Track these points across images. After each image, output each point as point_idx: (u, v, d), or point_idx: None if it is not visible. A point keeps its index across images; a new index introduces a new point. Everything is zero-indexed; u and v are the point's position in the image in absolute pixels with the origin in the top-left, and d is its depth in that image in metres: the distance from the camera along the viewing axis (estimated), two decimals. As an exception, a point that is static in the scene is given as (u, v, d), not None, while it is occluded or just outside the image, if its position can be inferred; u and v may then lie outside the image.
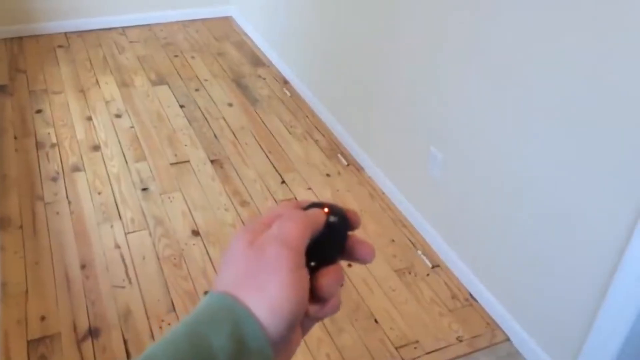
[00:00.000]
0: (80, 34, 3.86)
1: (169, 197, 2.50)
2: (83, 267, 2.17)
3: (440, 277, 2.23)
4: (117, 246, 2.25)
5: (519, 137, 1.79)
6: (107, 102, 3.12)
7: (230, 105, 3.23)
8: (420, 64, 2.21)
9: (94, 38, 3.83)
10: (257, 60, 3.70)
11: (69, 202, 2.46)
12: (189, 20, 4.16)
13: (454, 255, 2.22)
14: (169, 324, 1.99)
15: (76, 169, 2.65)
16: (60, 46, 3.71)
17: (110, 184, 2.57)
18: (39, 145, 2.79)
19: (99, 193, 2.51)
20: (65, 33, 3.85)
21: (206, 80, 3.45)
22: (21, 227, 2.32)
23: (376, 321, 2.05)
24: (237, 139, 2.95)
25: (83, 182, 2.57)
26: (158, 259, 2.20)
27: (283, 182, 2.68)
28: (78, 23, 3.87)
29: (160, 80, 3.40)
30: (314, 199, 0.46)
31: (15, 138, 2.84)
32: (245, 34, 4.03)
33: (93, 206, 2.44)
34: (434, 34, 2.10)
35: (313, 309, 0.42)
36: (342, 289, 0.46)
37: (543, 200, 1.74)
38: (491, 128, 1.90)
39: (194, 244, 2.28)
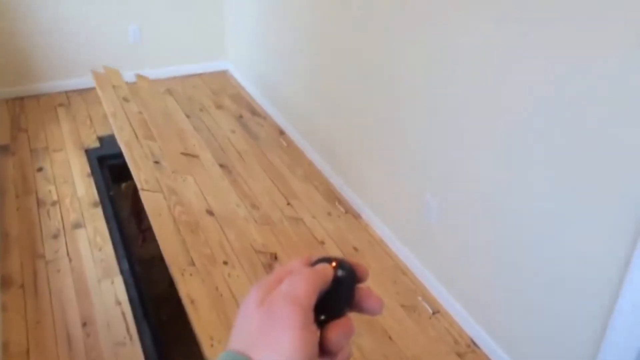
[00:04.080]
0: (81, 92, 3.95)
1: (182, 177, 2.44)
2: (84, 324, 2.16)
3: (441, 323, 2.23)
4: (118, 302, 2.26)
5: (515, 183, 1.83)
6: (114, 86, 3.09)
7: (233, 131, 3.40)
8: (414, 112, 2.27)
9: (94, 96, 3.91)
10: (254, 112, 3.79)
11: (70, 259, 2.47)
12: (186, 75, 4.27)
13: (454, 301, 2.23)
14: (190, 275, 1.93)
15: (77, 225, 2.68)
16: (61, 105, 3.80)
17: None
18: (40, 203, 2.83)
19: (100, 249, 2.53)
20: (66, 92, 3.95)
21: (209, 107, 3.61)
22: (22, 285, 2.33)
23: (390, 338, 2.09)
24: (242, 158, 3.02)
25: (84, 239, 2.59)
26: (174, 221, 2.09)
27: (289, 204, 2.75)
28: (78, 82, 3.97)
29: (166, 91, 3.51)
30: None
31: (17, 196, 2.87)
32: (242, 87, 4.13)
33: (94, 262, 2.46)
34: (427, 83, 2.17)
35: None
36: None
37: (541, 245, 1.77)
38: (486, 173, 1.94)
39: (209, 221, 2.23)
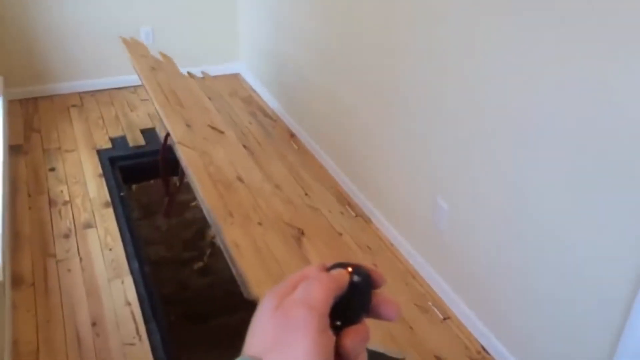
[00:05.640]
0: (94, 93, 3.98)
1: (212, 144, 2.40)
2: (93, 324, 2.17)
3: (451, 329, 2.21)
4: (128, 303, 2.26)
5: (527, 187, 1.81)
6: (142, 56, 3.07)
7: (250, 123, 3.40)
8: (425, 116, 2.26)
9: (106, 97, 3.94)
10: (265, 114, 3.79)
11: (80, 259, 2.48)
12: (198, 78, 4.28)
13: (465, 307, 2.21)
14: (231, 224, 1.88)
15: (88, 225, 2.69)
16: (73, 105, 3.82)
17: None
18: (51, 202, 2.84)
19: (110, 249, 2.54)
20: (79, 93, 3.97)
21: (227, 99, 3.65)
22: (33, 284, 2.34)
23: (411, 328, 2.08)
24: (261, 146, 3.02)
25: (94, 239, 2.60)
26: (210, 177, 2.08)
27: (306, 194, 2.76)
28: (91, 83, 4.00)
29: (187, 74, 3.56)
30: (339, 259, 0.48)
31: (29, 196, 2.89)
32: (253, 90, 4.14)
33: (104, 262, 2.46)
34: (437, 85, 2.16)
35: None
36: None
37: (554, 250, 1.75)
38: (497, 178, 1.93)
39: (240, 186, 2.20)
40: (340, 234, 2.58)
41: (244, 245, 1.71)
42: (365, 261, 2.54)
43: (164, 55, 3.22)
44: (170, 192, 2.94)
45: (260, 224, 1.96)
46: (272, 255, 1.71)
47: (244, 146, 2.74)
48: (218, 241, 1.74)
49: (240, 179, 2.21)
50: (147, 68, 2.85)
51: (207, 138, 2.44)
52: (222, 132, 2.60)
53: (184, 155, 2.08)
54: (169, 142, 2.27)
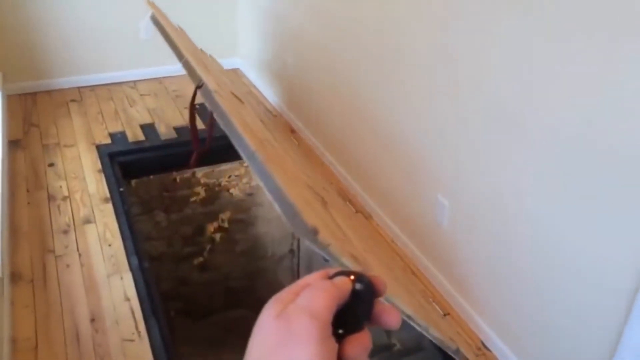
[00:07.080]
0: (93, 88, 3.96)
1: (237, 109, 2.40)
2: (92, 320, 2.16)
3: (452, 326, 2.20)
4: (127, 298, 2.25)
5: (527, 185, 1.80)
6: (165, 20, 3.07)
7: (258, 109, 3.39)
8: (425, 113, 2.25)
9: (105, 92, 3.93)
10: (266, 109, 3.78)
11: (80, 255, 2.47)
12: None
13: (465, 303, 2.20)
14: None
15: (87, 221, 2.68)
16: (73, 100, 3.81)
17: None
18: (50, 198, 2.83)
19: (109, 245, 2.53)
20: (78, 88, 3.96)
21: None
22: (32, 280, 2.33)
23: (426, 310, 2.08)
24: (272, 126, 3.01)
25: (93, 234, 2.59)
26: (246, 126, 2.10)
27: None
28: (90, 78, 3.98)
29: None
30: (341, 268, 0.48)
31: (28, 191, 2.88)
32: (253, 86, 4.12)
33: (103, 258, 2.46)
34: (438, 84, 2.14)
35: None
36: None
37: (553, 249, 1.74)
38: (498, 177, 1.92)
39: (268, 146, 2.20)
40: (350, 219, 2.56)
41: (287, 184, 1.66)
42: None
43: (180, 29, 3.24)
44: (197, 145, 2.97)
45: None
46: (309, 205, 1.69)
47: (261, 121, 2.73)
48: (259, 184, 1.67)
49: (267, 141, 2.19)
50: (173, 29, 2.84)
51: (232, 103, 2.42)
52: (242, 102, 2.59)
53: (221, 102, 2.04)
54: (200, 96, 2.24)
